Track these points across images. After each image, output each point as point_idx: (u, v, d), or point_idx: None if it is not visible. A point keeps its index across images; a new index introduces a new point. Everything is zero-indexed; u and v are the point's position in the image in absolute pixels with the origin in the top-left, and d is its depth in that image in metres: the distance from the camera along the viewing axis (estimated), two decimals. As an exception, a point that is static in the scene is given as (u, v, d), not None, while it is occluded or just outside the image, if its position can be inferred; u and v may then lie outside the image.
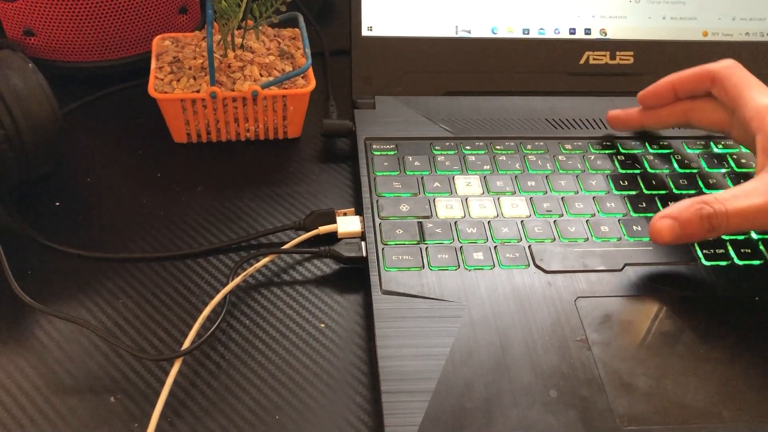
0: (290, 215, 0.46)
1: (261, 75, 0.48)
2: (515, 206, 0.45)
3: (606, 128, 0.52)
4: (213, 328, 0.38)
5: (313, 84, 0.49)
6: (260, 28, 0.51)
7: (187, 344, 0.37)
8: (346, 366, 0.38)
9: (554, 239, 0.43)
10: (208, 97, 0.46)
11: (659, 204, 0.46)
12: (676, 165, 0.49)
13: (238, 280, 0.40)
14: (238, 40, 0.49)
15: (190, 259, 0.43)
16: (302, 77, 0.49)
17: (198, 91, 0.47)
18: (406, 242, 0.42)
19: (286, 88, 0.48)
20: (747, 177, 0.49)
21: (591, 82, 0.55)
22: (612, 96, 0.55)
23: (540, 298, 0.40)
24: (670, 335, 0.39)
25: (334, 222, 0.44)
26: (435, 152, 0.48)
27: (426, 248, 0.42)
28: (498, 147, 0.49)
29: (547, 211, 0.45)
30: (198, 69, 0.48)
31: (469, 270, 0.41)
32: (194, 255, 0.43)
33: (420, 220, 0.44)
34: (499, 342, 0.38)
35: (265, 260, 0.42)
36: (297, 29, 0.53)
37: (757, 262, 0.43)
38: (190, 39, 0.51)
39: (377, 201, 0.45)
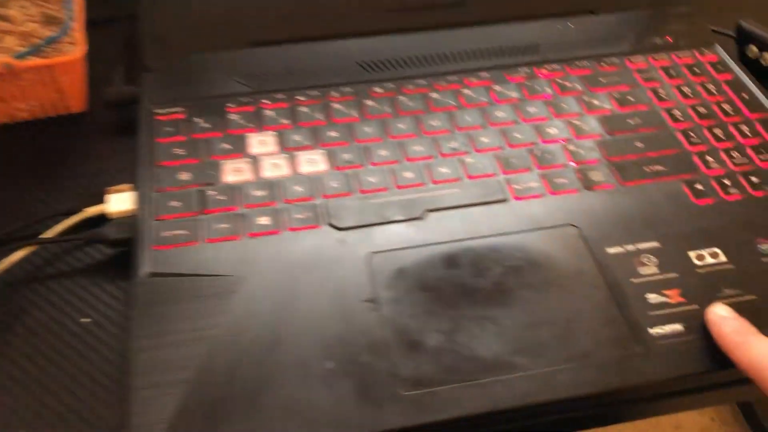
0: (74, 200, 0.42)
1: (20, 46, 0.43)
2: (312, 162, 0.41)
3: (426, 65, 0.48)
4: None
5: (82, 49, 0.43)
6: (22, -7, 0.45)
7: None
8: (104, 364, 0.34)
9: (352, 193, 0.40)
10: (-43, 77, 0.41)
11: (470, 145, 0.42)
12: (494, 97, 0.46)
13: (-16, 279, 0.36)
14: (-10, 9, 0.44)
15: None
16: (72, 43, 0.44)
17: (-54, 72, 0.41)
18: (183, 215, 0.38)
19: (51, 58, 0.43)
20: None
21: (411, 18, 0.50)
22: (437, 30, 0.50)
23: (330, 259, 0.36)
24: (467, 282, 0.35)
25: (105, 201, 0.39)
26: (228, 111, 0.44)
27: (205, 219, 0.38)
28: (300, 98, 0.45)
29: (347, 163, 0.41)
30: (-52, 46, 0.43)
31: (253, 238, 0.37)
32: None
33: (202, 188, 0.39)
34: (276, 316, 0.34)
35: (19, 254, 0.37)
36: (69, -10, 0.47)
37: (572, 192, 0.40)
38: (-55, 14, 0.45)
39: (153, 172, 0.40)
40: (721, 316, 0.34)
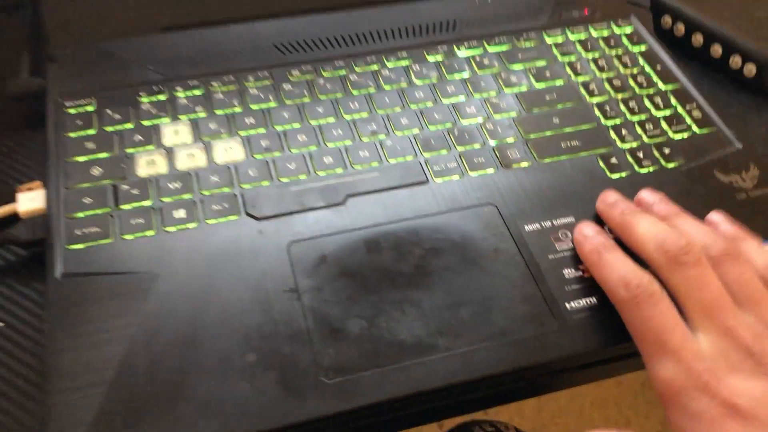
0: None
1: None
2: (229, 150, 0.40)
3: (344, 46, 0.47)
4: None
5: (-22, 41, 0.41)
6: None
7: None
8: (22, 368, 0.33)
9: (271, 180, 0.39)
10: None
11: (390, 127, 0.42)
12: (413, 78, 0.45)
13: None
14: None
15: None
16: (-32, 35, 0.42)
17: None
18: (96, 211, 0.37)
19: (-54, 51, 0.41)
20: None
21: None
22: (355, 9, 0.50)
23: (249, 250, 0.36)
24: (388, 267, 0.36)
25: (14, 200, 0.38)
26: (141, 100, 0.43)
27: (119, 215, 0.37)
28: (215, 84, 0.44)
29: (266, 150, 0.41)
30: None
31: (169, 232, 0.36)
32: None
33: (115, 182, 0.38)
34: (195, 310, 0.33)
35: (-77, 260, 0.36)
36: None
37: (491, 171, 0.41)
38: None
39: (64, 168, 0.39)
40: (584, 235, 0.36)
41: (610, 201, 0.37)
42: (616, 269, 0.33)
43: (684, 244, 0.32)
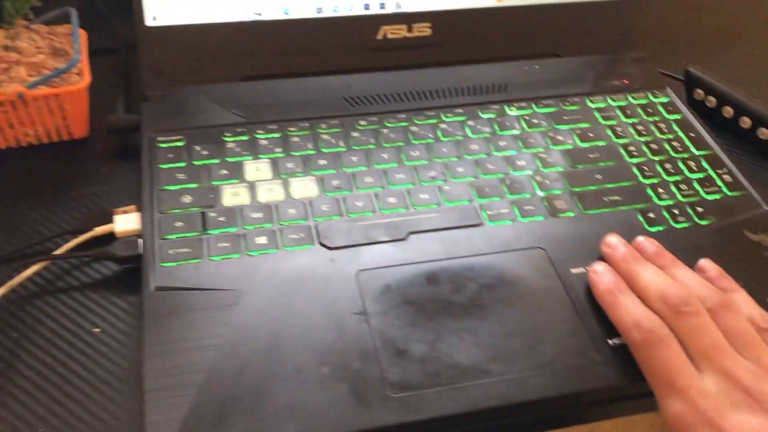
0: (77, 221, 0.44)
1: (30, 75, 0.46)
2: (304, 187, 0.45)
3: (406, 101, 0.52)
4: (-31, 346, 0.36)
5: (87, 80, 0.47)
6: (32, 26, 0.48)
7: (-63, 366, 0.35)
8: (118, 369, 0.37)
9: (341, 215, 0.43)
10: (-29, 104, 0.44)
11: (447, 174, 0.47)
12: (469, 131, 0.50)
13: (0, 291, 0.38)
14: (1, 41, 0.47)
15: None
16: (77, 74, 0.47)
17: (-40, 98, 0.44)
18: (186, 234, 0.41)
19: (58, 87, 0.46)
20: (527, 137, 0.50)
21: (391, 57, 0.55)
22: (414, 69, 0.55)
23: (322, 275, 0.40)
24: (446, 298, 0.39)
25: (112, 221, 0.42)
26: (225, 139, 0.47)
27: (207, 238, 0.41)
28: (291, 129, 0.49)
29: (337, 188, 0.45)
30: (-39, 75, 0.45)
31: (251, 255, 0.41)
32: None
33: (203, 210, 0.43)
34: (275, 326, 0.37)
35: (33, 269, 0.40)
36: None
37: (540, 218, 0.45)
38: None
39: (157, 195, 0.43)
40: (598, 274, 0.39)
41: (612, 244, 0.41)
42: (631, 312, 0.37)
43: (684, 295, 0.36)
